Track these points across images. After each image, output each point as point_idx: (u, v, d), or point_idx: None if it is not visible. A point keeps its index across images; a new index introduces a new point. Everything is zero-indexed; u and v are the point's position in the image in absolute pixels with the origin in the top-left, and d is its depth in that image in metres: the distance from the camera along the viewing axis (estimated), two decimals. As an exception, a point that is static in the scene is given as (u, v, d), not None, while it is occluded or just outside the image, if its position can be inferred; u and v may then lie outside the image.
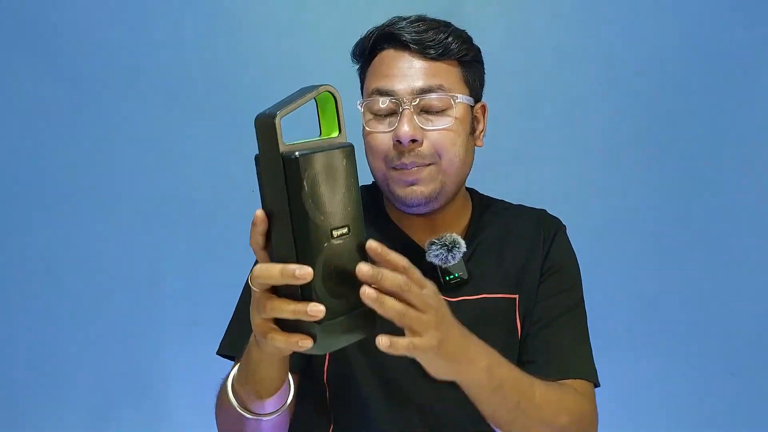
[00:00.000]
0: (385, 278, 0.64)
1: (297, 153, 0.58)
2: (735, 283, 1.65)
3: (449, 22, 0.98)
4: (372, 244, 0.65)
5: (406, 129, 0.90)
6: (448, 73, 0.94)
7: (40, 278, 1.66)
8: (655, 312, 1.66)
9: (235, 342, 0.98)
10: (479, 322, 0.93)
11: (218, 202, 1.60)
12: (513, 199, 1.12)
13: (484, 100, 1.02)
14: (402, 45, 0.94)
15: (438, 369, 0.73)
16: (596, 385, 0.99)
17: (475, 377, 0.77)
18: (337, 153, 0.62)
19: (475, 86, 0.99)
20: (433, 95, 0.92)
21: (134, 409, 1.68)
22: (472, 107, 0.97)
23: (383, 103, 0.93)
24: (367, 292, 0.62)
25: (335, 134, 0.65)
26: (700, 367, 1.66)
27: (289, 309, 0.61)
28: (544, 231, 1.05)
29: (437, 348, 0.70)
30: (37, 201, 1.65)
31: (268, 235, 0.62)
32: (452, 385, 0.97)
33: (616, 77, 1.63)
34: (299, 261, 0.59)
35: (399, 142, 0.91)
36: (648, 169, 1.65)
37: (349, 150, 0.63)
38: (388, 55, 0.95)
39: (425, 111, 0.93)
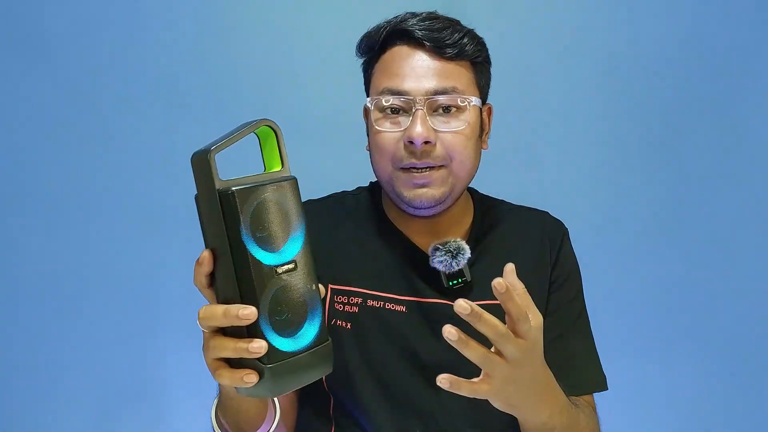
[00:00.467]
0: (484, 321, 0.63)
1: (233, 188, 0.57)
2: (735, 283, 1.65)
3: (458, 21, 0.96)
4: (461, 304, 0.63)
5: (419, 130, 0.88)
6: (461, 75, 0.92)
7: (38, 281, 1.65)
8: (656, 312, 1.66)
9: None
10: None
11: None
12: (513, 198, 1.12)
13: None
14: (416, 42, 0.91)
15: (499, 407, 0.73)
16: (606, 388, 1.01)
17: (535, 420, 0.77)
18: (277, 186, 0.60)
19: (483, 88, 0.97)
20: (447, 97, 0.90)
21: (133, 411, 1.68)
22: (480, 109, 0.96)
23: (395, 102, 0.90)
24: (450, 332, 0.61)
25: (278, 168, 0.63)
26: (701, 368, 1.66)
27: (230, 347, 0.59)
28: (549, 237, 1.04)
29: (504, 396, 0.70)
30: (35, 204, 1.64)
31: (213, 274, 0.61)
32: (453, 393, 0.97)
33: (616, 77, 1.63)
34: (243, 300, 0.58)
35: (411, 142, 0.88)
36: (648, 169, 1.65)
37: (291, 183, 0.61)
38: (401, 52, 0.92)
39: (437, 112, 0.91)
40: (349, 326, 0.96)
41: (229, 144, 0.58)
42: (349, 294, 0.97)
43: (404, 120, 0.91)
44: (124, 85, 1.62)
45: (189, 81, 1.62)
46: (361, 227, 1.02)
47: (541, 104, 1.61)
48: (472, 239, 1.01)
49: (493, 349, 0.67)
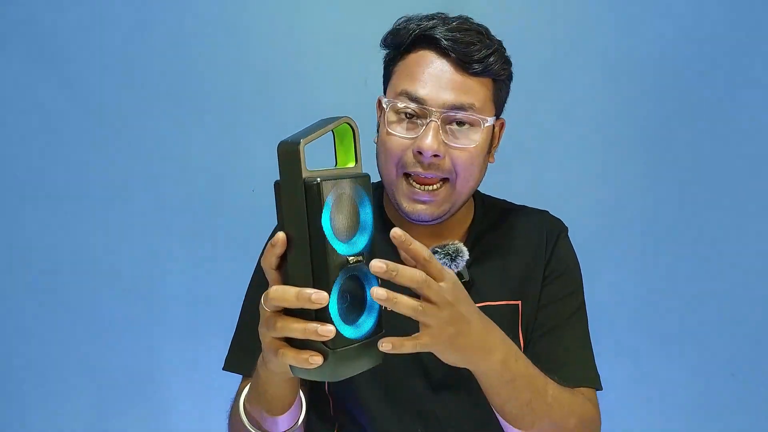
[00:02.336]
0: (401, 274, 0.63)
1: (319, 179, 0.59)
2: (735, 283, 1.65)
3: (488, 30, 0.94)
4: (396, 231, 0.65)
5: (430, 143, 0.87)
6: (480, 92, 0.91)
7: (39, 279, 1.66)
8: (656, 312, 1.66)
9: (240, 358, 0.98)
10: None
11: (219, 204, 1.60)
12: (513, 198, 1.12)
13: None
14: (442, 50, 0.89)
15: (449, 359, 0.72)
16: (599, 388, 0.99)
17: (488, 368, 0.76)
18: (356, 181, 0.63)
19: (499, 104, 0.96)
20: (463, 114, 0.89)
21: (133, 410, 1.68)
22: (493, 125, 0.95)
23: (411, 107, 0.89)
24: (377, 292, 0.62)
25: (352, 164, 0.66)
26: (701, 367, 1.66)
27: (300, 328, 0.60)
28: (546, 234, 1.04)
29: (448, 343, 0.69)
30: (36, 202, 1.64)
31: (282, 257, 0.62)
32: (454, 392, 0.97)
33: (617, 77, 1.63)
34: (315, 285, 0.60)
35: (420, 153, 0.88)
36: (648, 169, 1.65)
37: (366, 179, 0.65)
38: (425, 57, 0.90)
39: (450, 125, 0.90)
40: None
41: (316, 137, 0.61)
42: None
43: (417, 126, 0.90)
44: (129, 84, 1.62)
45: (190, 81, 1.62)
46: None
47: (541, 104, 1.61)
48: (472, 239, 1.01)
49: (421, 300, 0.67)
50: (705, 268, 1.65)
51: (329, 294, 0.59)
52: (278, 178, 0.61)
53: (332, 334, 0.59)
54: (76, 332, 1.66)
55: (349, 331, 0.62)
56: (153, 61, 1.62)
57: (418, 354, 0.94)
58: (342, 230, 0.61)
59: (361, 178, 0.64)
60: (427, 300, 0.66)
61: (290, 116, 1.60)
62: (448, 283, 0.68)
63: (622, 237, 1.66)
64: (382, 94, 1.00)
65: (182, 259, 1.64)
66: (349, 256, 0.62)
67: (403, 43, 0.92)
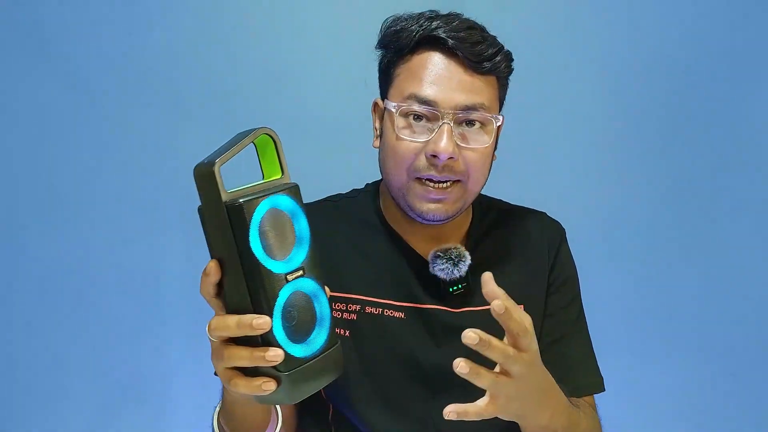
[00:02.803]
0: (493, 347, 0.64)
1: (241, 200, 0.56)
2: (735, 283, 1.65)
3: (485, 29, 0.93)
4: (497, 303, 0.63)
5: (445, 146, 0.85)
6: (488, 91, 0.90)
7: (41, 280, 1.66)
8: (656, 312, 1.67)
9: None
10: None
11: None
12: (513, 198, 1.12)
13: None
14: (447, 50, 0.88)
15: (502, 417, 0.73)
16: (603, 390, 1.01)
17: (537, 424, 0.77)
18: (284, 194, 0.60)
19: (502, 102, 0.96)
20: (476, 114, 0.88)
21: (135, 410, 1.68)
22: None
23: (421, 110, 0.88)
24: (461, 365, 0.62)
25: (278, 176, 0.62)
26: (700, 367, 1.66)
27: (246, 356, 0.58)
28: (547, 239, 1.04)
29: (508, 412, 0.70)
30: (38, 203, 1.65)
31: (220, 284, 0.60)
32: (452, 397, 0.97)
33: (617, 78, 1.63)
34: (255, 309, 0.57)
35: (435, 156, 0.86)
36: (648, 169, 1.66)
37: (296, 189, 0.62)
38: (432, 59, 0.89)
39: (461, 126, 0.89)
40: (347, 334, 0.95)
41: (232, 155, 0.58)
42: (348, 301, 0.96)
43: (426, 129, 0.88)
44: (125, 85, 1.62)
45: (190, 82, 1.63)
46: (358, 231, 1.00)
47: (541, 105, 1.61)
48: (472, 243, 1.01)
49: (497, 369, 0.68)
50: (705, 268, 1.66)
51: (271, 317, 0.57)
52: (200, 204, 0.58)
53: (281, 358, 0.57)
54: (77, 333, 1.67)
55: (300, 350, 0.59)
56: (153, 61, 1.62)
57: (415, 359, 0.95)
58: (275, 248, 0.58)
59: (290, 189, 0.61)
60: (505, 373, 0.67)
61: (290, 116, 1.60)
62: (530, 354, 0.68)
63: (621, 237, 1.66)
64: (379, 96, 0.98)
65: (184, 259, 1.64)
66: (288, 273, 0.58)
67: (406, 45, 0.90)
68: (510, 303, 0.65)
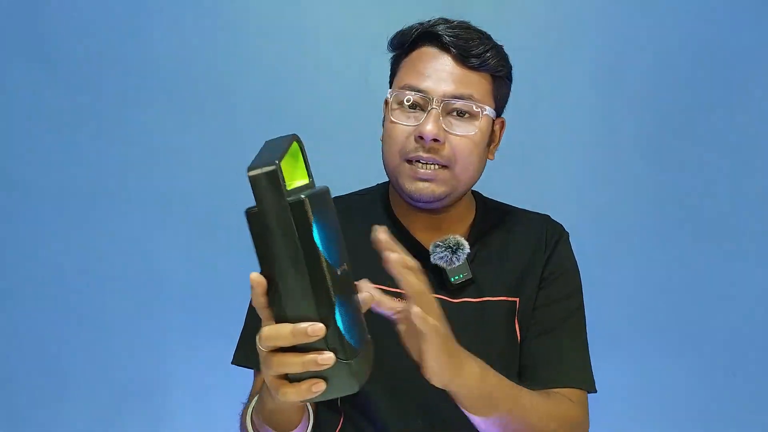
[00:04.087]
0: (408, 282, 0.70)
1: (302, 195, 0.57)
2: (735, 283, 1.65)
3: (489, 35, 1.00)
4: (380, 235, 0.70)
5: (430, 127, 0.92)
6: (480, 85, 0.96)
7: (42, 280, 1.66)
8: (656, 312, 1.67)
9: (248, 353, 1.00)
10: (481, 324, 0.94)
11: (220, 204, 1.60)
12: (513, 199, 1.12)
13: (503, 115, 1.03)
14: (443, 46, 0.95)
15: (436, 371, 0.75)
16: (592, 391, 1.00)
17: (467, 383, 0.78)
18: (326, 193, 0.62)
19: (500, 102, 1.01)
20: (462, 102, 0.94)
21: (137, 410, 1.68)
22: (493, 120, 0.99)
23: (413, 97, 0.95)
24: (416, 312, 0.69)
25: (305, 180, 0.63)
26: (700, 367, 1.66)
27: (298, 362, 0.59)
28: (546, 236, 1.06)
29: (442, 352, 0.73)
30: (39, 203, 1.64)
31: (270, 293, 0.60)
32: None
33: (616, 78, 1.63)
34: (318, 307, 0.58)
35: (421, 137, 0.93)
36: (647, 169, 1.66)
37: (329, 190, 0.63)
38: (427, 53, 0.97)
39: (452, 115, 0.95)
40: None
41: (283, 157, 0.58)
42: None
43: (419, 116, 0.95)
44: (128, 84, 1.62)
45: (191, 82, 1.63)
46: (368, 225, 1.03)
47: (541, 105, 1.62)
48: (472, 237, 1.03)
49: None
50: (704, 268, 1.66)
51: (334, 309, 0.58)
52: (249, 207, 0.58)
53: (332, 362, 0.58)
54: (78, 333, 1.67)
55: (353, 341, 0.61)
56: (153, 60, 1.62)
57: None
58: (329, 242, 0.59)
59: (328, 189, 0.63)
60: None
61: (290, 116, 1.60)
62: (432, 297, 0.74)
63: (621, 237, 1.66)
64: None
65: (185, 259, 1.64)
66: (340, 267, 0.60)
67: (407, 41, 0.98)
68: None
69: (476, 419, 0.83)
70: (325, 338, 0.58)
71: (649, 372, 1.67)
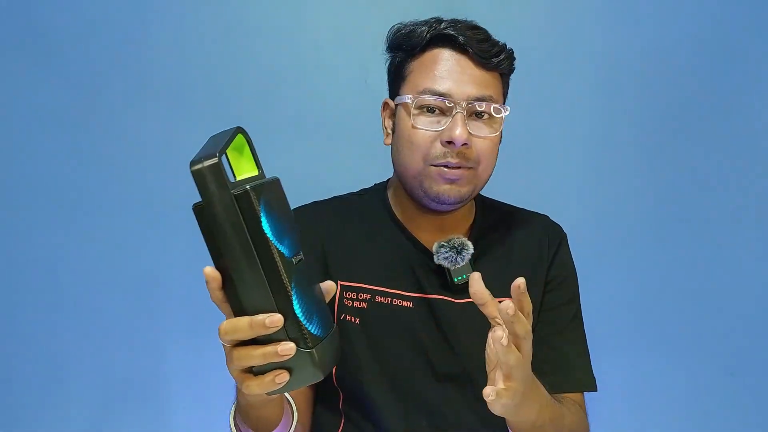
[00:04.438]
0: (519, 322, 0.68)
1: (247, 186, 0.56)
2: (735, 283, 1.65)
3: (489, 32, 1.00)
4: (520, 281, 0.68)
5: (460, 132, 0.91)
6: (495, 85, 0.97)
7: (40, 280, 1.66)
8: (655, 312, 1.67)
9: None
10: (485, 324, 0.94)
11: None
12: (512, 198, 1.13)
13: None
14: (460, 48, 0.95)
15: (499, 411, 0.74)
16: (594, 390, 1.03)
17: (526, 419, 0.79)
18: (274, 183, 0.61)
19: (506, 99, 1.02)
20: (486, 104, 0.94)
21: (135, 410, 1.68)
22: None
23: (436, 102, 0.94)
24: (503, 337, 0.66)
25: (255, 173, 0.62)
26: (700, 367, 1.66)
27: (258, 354, 0.59)
28: (548, 239, 1.07)
29: (512, 397, 0.71)
30: (37, 202, 1.65)
31: (225, 287, 0.60)
32: (458, 385, 1.00)
33: (615, 78, 1.63)
34: (275, 295, 0.57)
35: (450, 142, 0.92)
36: (647, 169, 1.65)
37: (279, 181, 0.63)
38: (443, 55, 0.95)
39: (472, 117, 0.95)
40: (357, 321, 0.99)
41: (225, 150, 0.58)
42: (358, 290, 1.00)
43: (442, 120, 0.94)
44: (127, 83, 1.62)
45: (189, 81, 1.62)
46: (368, 225, 1.05)
47: (540, 104, 1.62)
48: (473, 237, 1.04)
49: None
50: (704, 268, 1.66)
51: (291, 299, 0.57)
52: (196, 202, 0.58)
53: (293, 352, 0.57)
54: (77, 333, 1.67)
55: (315, 329, 0.60)
56: (153, 60, 1.62)
57: (423, 348, 0.99)
58: (280, 232, 0.58)
59: (277, 179, 0.62)
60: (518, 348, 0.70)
61: (290, 116, 1.60)
62: (531, 335, 0.71)
63: (620, 237, 1.66)
64: (388, 96, 1.04)
65: (184, 259, 1.64)
66: (293, 257, 0.59)
67: (418, 44, 0.97)
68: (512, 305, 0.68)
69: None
70: (284, 328, 0.58)
71: (648, 372, 1.67)
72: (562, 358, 1.01)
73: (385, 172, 1.10)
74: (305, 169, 1.54)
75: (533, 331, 1.00)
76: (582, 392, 1.01)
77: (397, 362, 0.98)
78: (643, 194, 1.65)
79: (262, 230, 0.56)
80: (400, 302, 1.00)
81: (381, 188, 1.09)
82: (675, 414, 1.68)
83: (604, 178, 1.65)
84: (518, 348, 0.69)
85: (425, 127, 0.94)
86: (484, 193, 1.10)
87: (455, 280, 0.99)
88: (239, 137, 0.61)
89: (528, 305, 0.70)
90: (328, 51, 1.62)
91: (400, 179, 1.01)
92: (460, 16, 1.00)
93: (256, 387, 0.60)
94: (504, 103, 1.01)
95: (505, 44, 0.99)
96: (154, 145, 1.64)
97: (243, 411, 0.79)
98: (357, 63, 1.59)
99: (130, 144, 1.64)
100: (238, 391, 0.77)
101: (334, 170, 1.51)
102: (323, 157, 1.56)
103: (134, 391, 1.68)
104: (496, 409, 0.72)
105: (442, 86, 0.93)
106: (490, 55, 0.94)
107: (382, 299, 1.00)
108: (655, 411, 1.68)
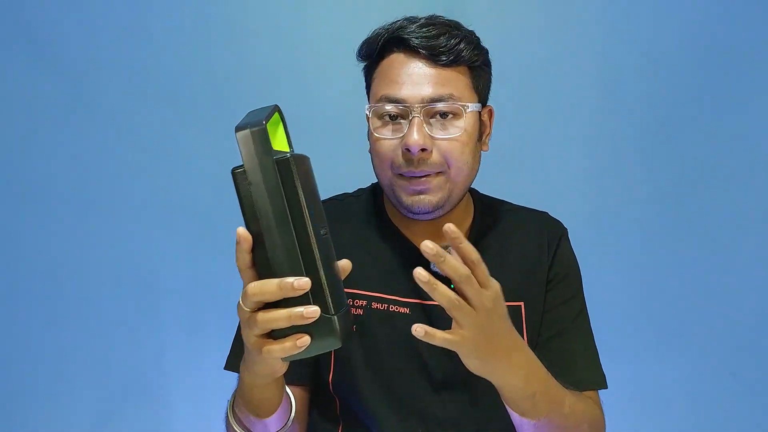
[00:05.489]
0: (447, 262, 0.66)
1: (288, 154, 0.59)
2: (735, 282, 1.65)
3: (459, 23, 0.96)
4: (451, 227, 0.67)
5: (415, 138, 0.88)
6: (458, 81, 0.92)
7: (40, 280, 1.66)
8: (655, 312, 1.67)
9: (241, 357, 0.99)
10: None
11: (218, 203, 1.59)
12: (513, 197, 1.12)
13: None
14: (412, 50, 0.91)
15: (472, 364, 0.74)
16: (605, 387, 1.01)
17: (511, 383, 0.77)
18: (307, 159, 0.63)
19: (482, 91, 0.97)
20: (444, 104, 0.90)
21: (135, 410, 1.68)
22: (479, 113, 0.96)
23: (392, 109, 0.91)
24: (420, 273, 0.64)
25: (286, 150, 0.64)
26: (700, 367, 1.66)
27: (285, 316, 0.59)
28: (548, 236, 1.05)
29: (475, 348, 0.70)
30: (37, 202, 1.65)
31: (254, 252, 0.61)
32: (455, 392, 0.98)
33: (615, 77, 1.63)
34: (304, 260, 0.60)
35: (408, 150, 0.89)
36: (647, 169, 1.66)
37: (310, 159, 0.64)
38: (398, 59, 0.93)
39: (434, 118, 0.91)
40: (354, 328, 0.96)
41: (269, 120, 0.60)
42: (354, 296, 0.98)
43: (402, 127, 0.91)
44: (125, 84, 1.62)
45: (190, 81, 1.63)
46: (364, 229, 1.03)
47: (540, 104, 1.62)
48: (472, 240, 1.01)
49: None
50: (704, 268, 1.66)
51: (318, 265, 0.59)
52: (235, 166, 0.60)
53: (318, 314, 0.59)
54: (77, 333, 1.67)
55: (336, 299, 0.62)
56: (153, 60, 1.62)
57: (420, 355, 0.96)
58: (311, 203, 0.61)
59: (308, 158, 0.64)
60: (466, 299, 0.68)
61: (290, 117, 1.60)
62: (491, 291, 0.70)
63: (621, 236, 1.66)
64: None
65: (184, 258, 1.64)
66: (321, 227, 0.61)
67: (374, 50, 0.95)
68: (448, 256, 0.68)
69: (514, 417, 0.83)
70: (309, 294, 0.60)
71: (648, 372, 1.67)
72: (570, 357, 0.99)
73: (384, 173, 1.09)
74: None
75: (539, 332, 1.00)
76: (594, 390, 0.99)
77: (394, 369, 0.97)
78: (644, 194, 1.65)
79: (299, 197, 0.59)
80: (397, 308, 0.98)
81: (378, 189, 1.06)
82: (676, 414, 1.68)
83: (605, 177, 1.65)
84: (465, 297, 0.68)
85: (386, 136, 0.92)
86: (484, 191, 1.09)
87: (452, 286, 0.97)
88: (276, 114, 0.64)
89: (471, 253, 0.69)
90: (327, 51, 1.62)
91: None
92: (460, 16, 0.98)
93: (278, 350, 0.61)
94: (481, 96, 0.97)
95: (467, 34, 0.94)
96: (154, 145, 1.64)
97: (246, 393, 0.78)
98: (355, 63, 1.59)
99: (129, 144, 1.64)
100: (244, 369, 0.76)
101: (333, 171, 1.51)
102: (323, 157, 1.55)
103: (134, 391, 1.67)
104: (468, 364, 0.73)
105: (396, 91, 0.90)
106: (440, 51, 0.90)
107: (379, 305, 0.98)
108: (655, 410, 1.68)
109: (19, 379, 1.68)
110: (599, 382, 1.00)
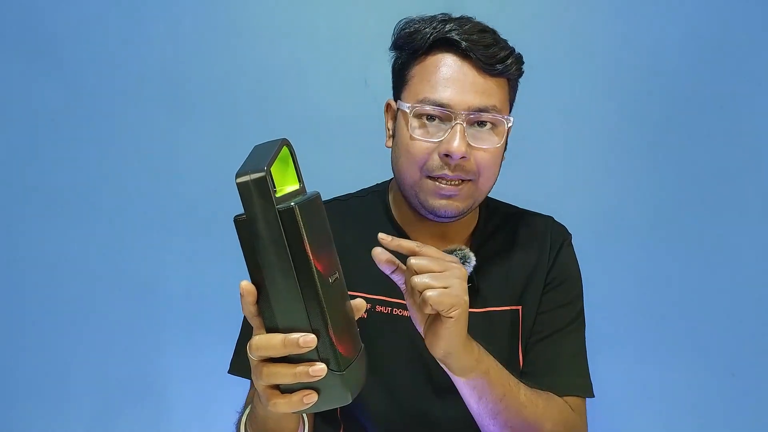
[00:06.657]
0: (402, 246, 0.72)
1: (292, 203, 0.55)
2: (735, 283, 1.65)
3: (497, 32, 0.95)
4: (381, 234, 0.72)
5: (458, 145, 0.87)
6: (500, 92, 0.92)
7: (40, 280, 1.65)
8: (655, 312, 1.66)
9: (245, 362, 0.98)
10: (484, 334, 0.94)
11: (218, 204, 1.60)
12: (515, 199, 1.12)
13: None
14: (462, 53, 0.90)
15: (438, 345, 0.77)
16: (590, 396, 1.00)
17: (467, 361, 0.79)
18: (316, 198, 0.60)
19: (512, 103, 0.98)
20: (487, 115, 0.90)
21: (135, 411, 1.68)
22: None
23: (434, 112, 0.90)
24: (381, 236, 0.70)
25: (295, 186, 0.61)
26: (700, 367, 1.66)
27: (289, 374, 0.58)
28: (550, 241, 1.05)
29: (464, 313, 0.74)
30: (37, 204, 1.64)
31: (260, 301, 0.59)
32: (457, 396, 0.99)
33: (618, 78, 1.63)
34: (310, 315, 0.56)
35: (448, 155, 0.88)
36: (649, 170, 1.65)
37: (320, 196, 0.61)
38: (445, 60, 0.91)
39: (473, 126, 0.90)
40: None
41: (273, 162, 0.56)
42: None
43: (440, 129, 0.90)
44: (126, 85, 1.62)
45: (190, 82, 1.62)
46: (368, 231, 1.02)
47: (541, 104, 1.61)
48: (476, 244, 1.01)
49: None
50: (705, 268, 1.65)
51: (326, 319, 0.56)
52: (238, 214, 0.57)
53: (324, 373, 0.57)
54: (77, 333, 1.66)
55: (345, 350, 0.59)
56: (152, 61, 1.62)
57: (423, 358, 0.96)
58: (319, 250, 0.57)
59: (318, 195, 0.60)
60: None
61: (290, 117, 1.60)
62: (457, 272, 0.76)
63: (622, 237, 1.66)
64: (392, 97, 1.00)
65: (184, 259, 1.64)
66: (330, 275, 0.58)
67: (420, 47, 0.92)
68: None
69: (471, 404, 0.83)
70: (316, 348, 0.57)
71: (648, 372, 1.67)
72: (556, 360, 0.99)
73: (386, 174, 1.09)
74: (304, 170, 1.54)
75: (531, 332, 1.00)
76: (577, 396, 0.98)
77: (397, 373, 0.97)
78: (645, 196, 1.65)
79: (304, 249, 0.55)
80: (400, 312, 0.97)
81: (383, 189, 1.06)
82: (676, 414, 1.67)
83: (610, 178, 1.65)
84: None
85: (423, 138, 0.90)
86: (490, 194, 1.09)
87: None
88: (284, 149, 0.60)
89: (408, 244, 0.76)
90: (328, 51, 1.61)
91: (398, 185, 0.98)
92: (459, 13, 0.97)
93: (284, 405, 0.59)
94: (511, 108, 0.97)
95: (514, 48, 0.94)
96: (154, 147, 1.64)
97: (260, 421, 0.78)
98: (357, 63, 1.59)
99: (129, 146, 1.64)
100: (258, 400, 0.76)
101: (333, 172, 1.51)
102: (322, 157, 1.55)
103: (134, 391, 1.67)
104: (447, 335, 0.77)
105: (441, 95, 0.89)
106: (495, 61, 0.89)
107: (382, 308, 0.98)
108: (655, 411, 1.68)
109: (18, 379, 1.67)
110: (583, 388, 0.99)
